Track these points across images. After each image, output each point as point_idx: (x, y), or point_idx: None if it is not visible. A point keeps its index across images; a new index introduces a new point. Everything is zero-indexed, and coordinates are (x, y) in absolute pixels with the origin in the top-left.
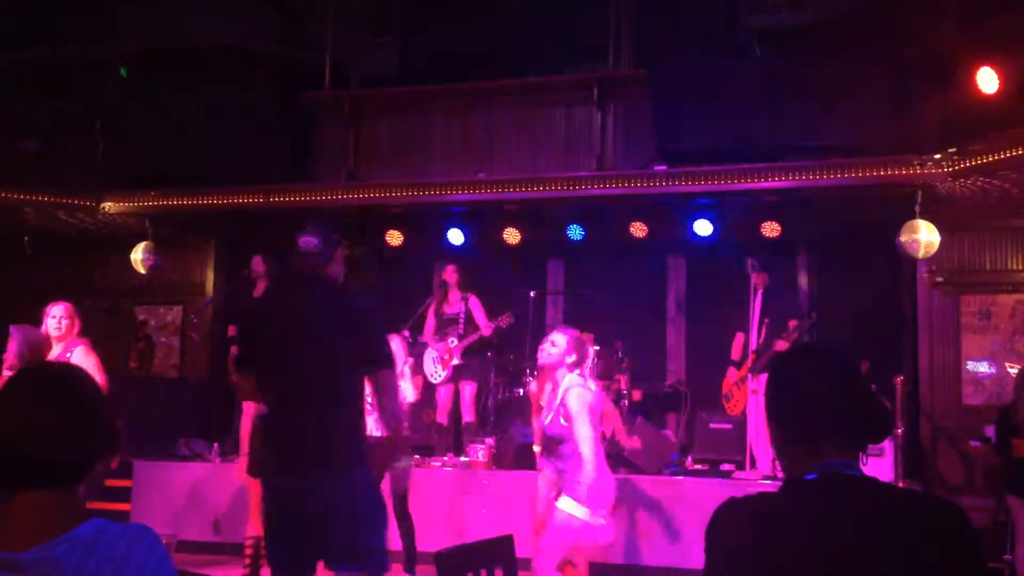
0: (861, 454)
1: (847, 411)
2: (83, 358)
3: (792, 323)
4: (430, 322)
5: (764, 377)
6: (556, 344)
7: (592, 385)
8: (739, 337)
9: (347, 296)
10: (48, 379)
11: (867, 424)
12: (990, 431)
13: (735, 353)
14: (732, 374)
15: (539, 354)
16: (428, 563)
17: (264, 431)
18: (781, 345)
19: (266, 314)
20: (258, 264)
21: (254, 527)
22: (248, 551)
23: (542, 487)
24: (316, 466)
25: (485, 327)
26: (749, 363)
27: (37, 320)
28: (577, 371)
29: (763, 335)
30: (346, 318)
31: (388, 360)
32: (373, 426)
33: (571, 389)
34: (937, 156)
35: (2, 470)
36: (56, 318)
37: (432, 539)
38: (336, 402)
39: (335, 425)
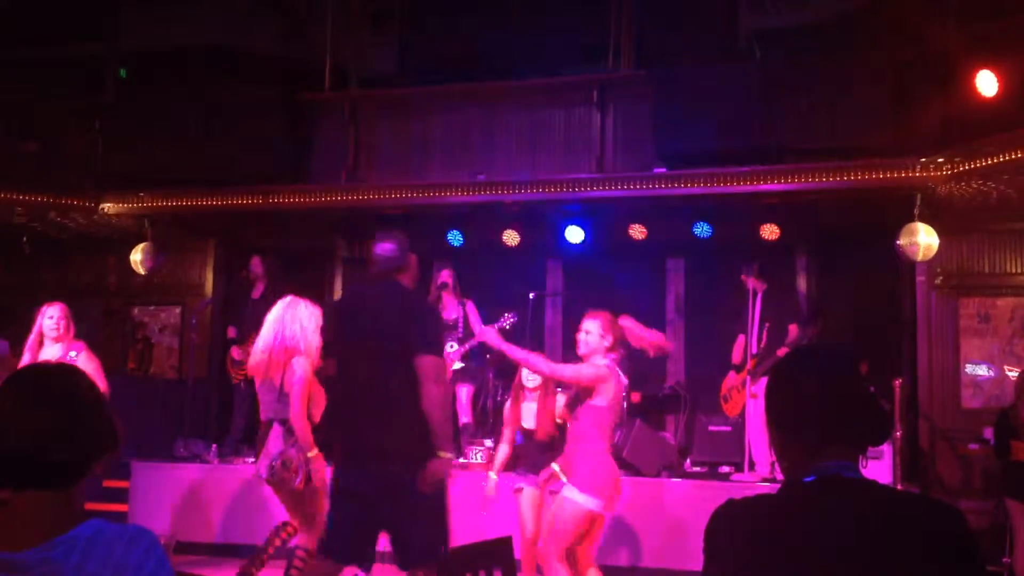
0: (861, 457)
1: (846, 413)
2: (86, 363)
3: (792, 327)
4: None
5: (764, 381)
6: (590, 331)
7: (623, 378)
8: (740, 340)
9: (415, 301)
10: (46, 379)
11: (867, 426)
12: (988, 433)
13: (736, 356)
14: (732, 377)
15: (578, 347)
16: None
17: (338, 426)
18: (783, 352)
19: (344, 314)
20: (256, 265)
21: (308, 538)
22: (298, 562)
23: (526, 507)
24: (379, 457)
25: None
26: (749, 367)
27: (32, 320)
28: (609, 359)
29: (764, 339)
30: (412, 321)
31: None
32: None
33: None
34: (937, 159)
35: (1, 470)
36: (54, 319)
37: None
38: (403, 399)
39: (405, 421)
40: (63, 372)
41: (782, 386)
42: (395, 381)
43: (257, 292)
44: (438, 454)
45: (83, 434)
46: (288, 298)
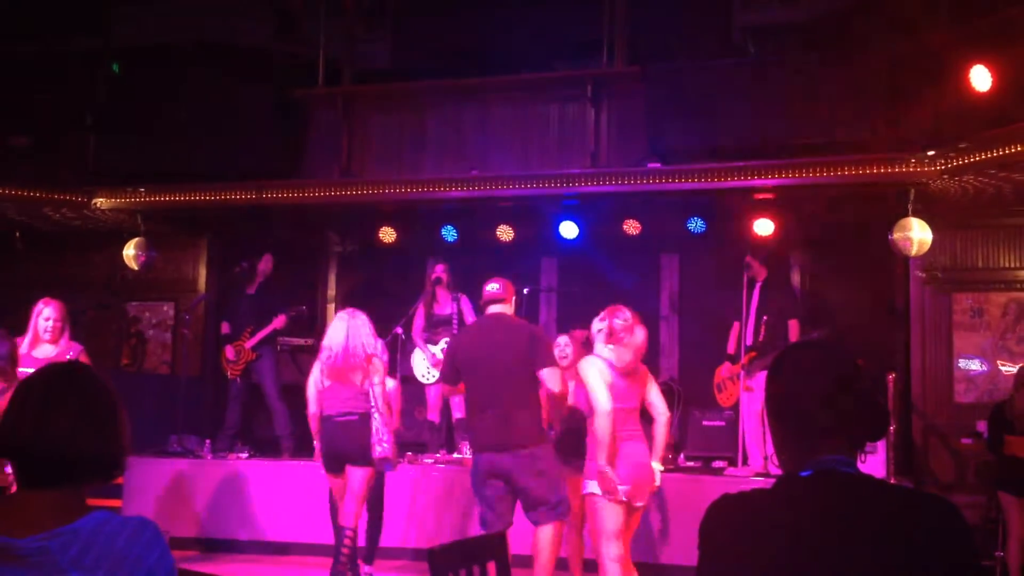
0: (859, 452)
1: (843, 409)
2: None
3: (793, 323)
4: (419, 321)
5: (760, 376)
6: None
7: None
8: (735, 328)
9: (525, 328)
10: (65, 380)
11: (865, 423)
12: (982, 427)
13: (731, 346)
14: (727, 367)
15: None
16: (421, 559)
17: (471, 425)
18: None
19: (466, 345)
20: (267, 263)
21: (348, 518)
22: (347, 542)
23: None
24: (516, 445)
25: None
26: (745, 359)
27: (25, 317)
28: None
29: (763, 332)
30: (538, 343)
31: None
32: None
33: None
34: (930, 154)
35: (21, 471)
36: (49, 319)
37: (424, 536)
38: (525, 403)
39: (523, 418)
40: (82, 373)
41: (782, 379)
42: (524, 387)
43: (252, 288)
44: (549, 435)
45: (102, 435)
46: (349, 309)
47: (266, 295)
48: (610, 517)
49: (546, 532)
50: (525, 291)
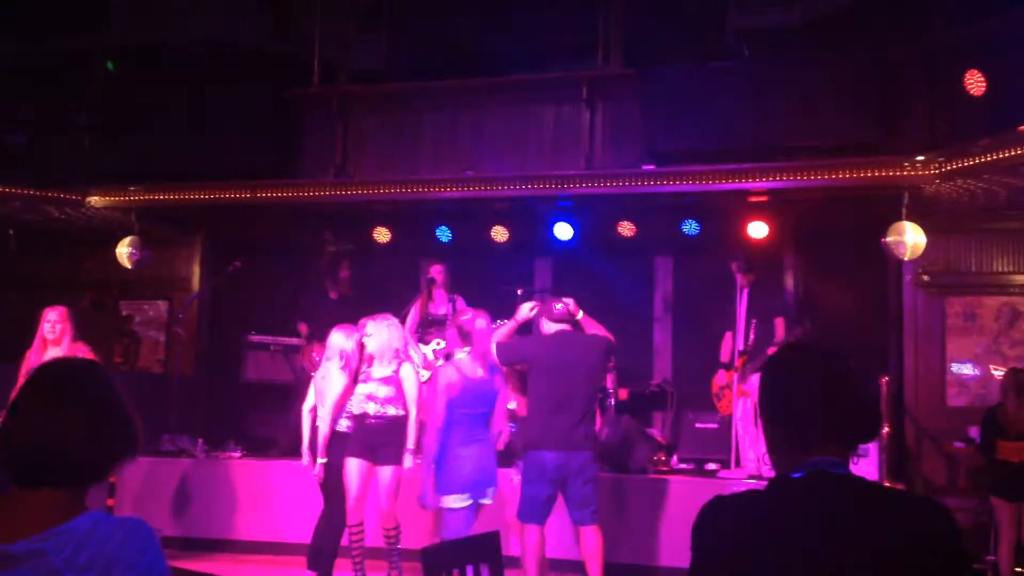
0: (851, 454)
1: (836, 410)
2: None
3: (779, 322)
4: (413, 321)
5: (753, 379)
6: None
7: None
8: (727, 337)
9: (589, 339)
10: (71, 378)
11: (857, 425)
12: (974, 432)
13: (724, 354)
14: (722, 376)
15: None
16: (415, 560)
17: (534, 428)
18: (774, 351)
19: (541, 354)
20: (346, 269)
21: (357, 514)
22: (356, 538)
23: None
24: (578, 447)
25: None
26: (738, 365)
27: (18, 315)
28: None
29: (752, 336)
30: (607, 355)
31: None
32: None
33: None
34: (924, 158)
35: (22, 471)
36: (51, 322)
37: (417, 536)
38: (590, 407)
39: (589, 423)
40: (89, 371)
41: (775, 381)
42: (592, 395)
43: (335, 294)
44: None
45: (106, 436)
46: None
47: (351, 305)
48: None
49: (595, 533)
50: (519, 292)
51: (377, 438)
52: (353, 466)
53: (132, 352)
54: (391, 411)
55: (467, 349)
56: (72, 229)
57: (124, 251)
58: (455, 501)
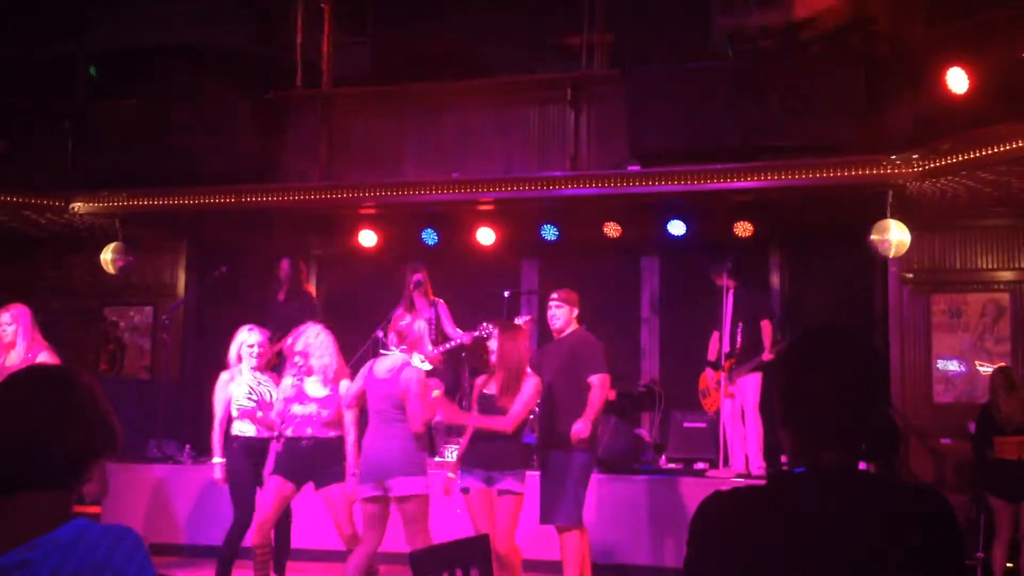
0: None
1: (851, 424)
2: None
3: (765, 323)
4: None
5: (741, 382)
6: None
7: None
8: (714, 337)
9: (597, 341)
10: (39, 381)
11: (870, 444)
12: (974, 427)
13: (711, 354)
14: (709, 374)
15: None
16: (403, 563)
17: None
18: (767, 357)
19: (550, 352)
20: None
21: (262, 534)
22: (260, 557)
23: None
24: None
25: (462, 336)
26: (725, 367)
27: None
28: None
29: (739, 337)
30: (597, 353)
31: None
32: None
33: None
34: (908, 156)
35: None
36: (2, 324)
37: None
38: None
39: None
40: (57, 373)
41: (789, 382)
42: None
43: (282, 295)
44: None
45: (76, 435)
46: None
47: (296, 303)
48: None
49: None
50: (506, 294)
51: (312, 461)
52: (273, 485)
53: (117, 358)
54: (330, 433)
55: (402, 348)
56: (56, 235)
57: (108, 257)
58: (363, 491)
